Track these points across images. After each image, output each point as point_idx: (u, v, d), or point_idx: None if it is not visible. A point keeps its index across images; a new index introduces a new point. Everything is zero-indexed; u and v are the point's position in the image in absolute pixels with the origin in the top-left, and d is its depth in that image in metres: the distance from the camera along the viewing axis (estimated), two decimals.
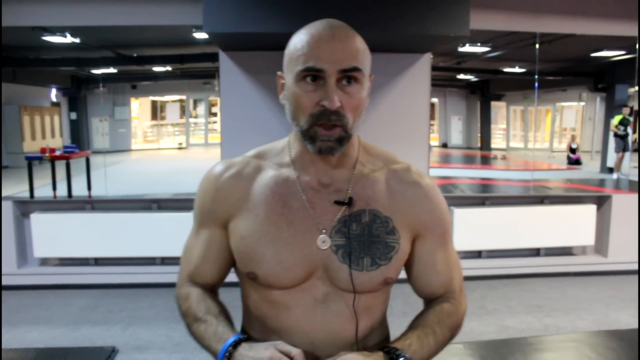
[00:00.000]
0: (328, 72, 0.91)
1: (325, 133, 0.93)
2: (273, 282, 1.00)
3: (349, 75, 0.93)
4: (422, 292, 1.14)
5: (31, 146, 7.68)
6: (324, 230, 1.00)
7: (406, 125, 4.49)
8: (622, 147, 7.84)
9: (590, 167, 12.52)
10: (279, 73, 1.01)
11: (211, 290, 1.12)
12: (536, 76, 5.42)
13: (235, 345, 0.94)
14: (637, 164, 7.91)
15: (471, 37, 3.75)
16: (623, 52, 6.69)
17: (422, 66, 4.43)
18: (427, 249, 1.09)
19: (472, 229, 4.69)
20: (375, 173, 1.06)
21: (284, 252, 0.99)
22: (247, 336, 0.97)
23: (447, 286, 1.13)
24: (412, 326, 1.06)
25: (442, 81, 12.41)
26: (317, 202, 1.01)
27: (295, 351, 0.89)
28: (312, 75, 0.92)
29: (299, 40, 0.95)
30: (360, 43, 0.97)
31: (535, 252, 4.97)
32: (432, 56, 4.46)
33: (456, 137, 16.54)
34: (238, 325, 1.14)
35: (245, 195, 1.03)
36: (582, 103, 14.25)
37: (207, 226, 1.07)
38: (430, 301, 1.14)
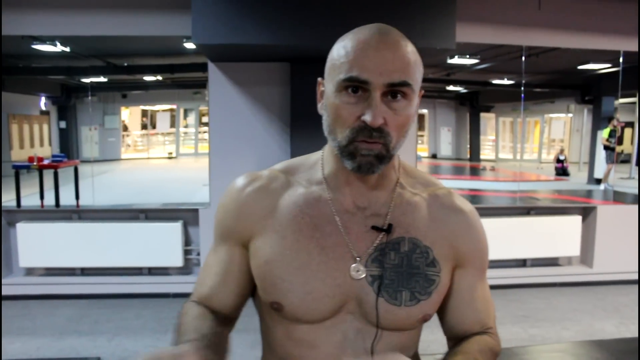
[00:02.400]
0: (373, 85, 0.81)
1: (366, 147, 0.83)
2: (301, 315, 0.89)
3: (397, 90, 0.83)
4: (455, 329, 1.01)
5: (20, 155, 7.63)
6: (358, 259, 0.89)
7: None
8: (612, 158, 7.95)
9: (577, 178, 12.63)
10: (319, 79, 0.91)
11: (224, 318, 0.97)
12: (522, 88, 5.49)
13: None
14: (623, 176, 8.00)
15: (460, 49, 3.80)
16: (609, 65, 6.78)
17: None
18: (466, 282, 0.99)
19: None
20: (416, 197, 0.96)
21: (314, 281, 0.88)
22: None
23: (484, 324, 1.01)
24: (450, 354, 0.93)
25: (431, 92, 12.50)
26: (352, 226, 0.91)
27: None
28: (355, 86, 0.82)
29: (343, 45, 0.85)
30: (413, 54, 0.86)
31: (522, 263, 5.01)
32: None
33: (445, 148, 16.59)
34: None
35: (271, 213, 0.92)
36: (570, 115, 14.42)
37: (226, 244, 0.96)
38: (462, 338, 1.00)
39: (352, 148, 0.84)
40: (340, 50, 0.84)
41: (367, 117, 0.81)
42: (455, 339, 1.00)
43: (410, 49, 0.86)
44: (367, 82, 0.81)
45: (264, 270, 0.91)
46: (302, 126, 4.14)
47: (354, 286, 0.89)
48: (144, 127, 10.05)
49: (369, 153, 0.83)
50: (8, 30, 4.24)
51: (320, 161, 0.96)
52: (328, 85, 0.86)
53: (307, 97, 4.21)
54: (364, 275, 0.89)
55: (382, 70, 0.81)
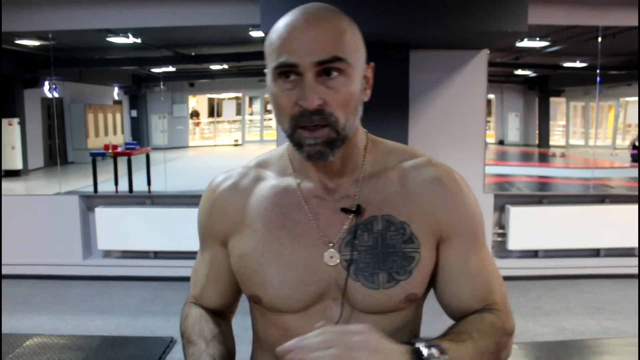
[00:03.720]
0: (302, 66, 0.77)
1: (310, 135, 0.80)
2: (280, 305, 0.88)
3: (330, 67, 0.78)
4: (451, 307, 0.93)
5: (95, 143, 8.01)
6: (331, 244, 0.86)
7: (462, 123, 4.45)
8: None
9: None
10: (265, 70, 0.85)
11: (220, 314, 1.03)
12: (598, 71, 5.24)
13: None
14: None
15: (530, 31, 3.67)
16: None
17: (479, 63, 4.38)
18: (455, 254, 0.90)
19: (529, 228, 4.60)
20: (388, 172, 0.90)
21: (287, 270, 0.86)
22: None
23: (485, 299, 0.91)
24: (442, 335, 0.84)
25: (499, 77, 12.14)
26: (322, 211, 0.88)
27: None
28: (287, 71, 0.79)
29: (273, 32, 0.81)
30: (343, 27, 0.81)
31: (595, 253, 4.81)
32: (488, 52, 4.39)
33: (513, 134, 16.11)
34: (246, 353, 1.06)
35: (243, 210, 0.91)
36: None
37: (208, 245, 0.98)
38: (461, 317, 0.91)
39: (297, 137, 0.81)
40: (271, 36, 0.81)
41: (302, 101, 0.78)
42: (456, 319, 0.91)
43: (342, 24, 0.81)
44: (295, 64, 0.77)
45: (239, 266, 0.91)
46: (373, 113, 4.13)
47: (331, 272, 0.86)
48: (210, 114, 10.32)
49: (315, 142, 0.80)
50: (84, 24, 4.44)
51: (287, 151, 0.94)
52: (268, 76, 0.83)
53: (378, 84, 4.20)
54: (338, 261, 0.86)
55: (309, 49, 0.77)
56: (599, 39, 4.81)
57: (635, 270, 4.65)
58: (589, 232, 4.64)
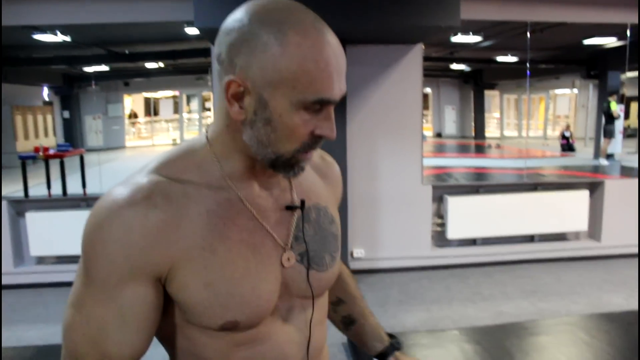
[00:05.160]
0: (334, 103, 0.78)
1: (307, 157, 0.81)
2: (258, 320, 0.84)
3: None
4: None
5: (25, 146, 7.67)
6: (286, 245, 0.87)
7: (399, 116, 4.51)
8: (611, 133, 7.97)
9: (583, 154, 12.58)
10: (231, 78, 0.76)
11: None
12: (527, 64, 5.44)
13: None
14: (630, 150, 7.96)
15: (463, 27, 3.76)
16: (614, 39, 6.71)
17: (414, 57, 4.45)
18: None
19: (467, 217, 4.73)
20: None
21: (259, 283, 0.83)
22: None
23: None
24: (356, 302, 1.14)
25: (435, 71, 12.42)
26: (269, 214, 0.86)
27: None
28: (320, 106, 0.77)
29: (295, 53, 0.73)
30: None
31: (530, 239, 5.01)
32: (423, 47, 4.48)
33: (450, 126, 16.57)
34: None
35: (190, 233, 0.79)
36: (575, 90, 14.32)
37: (131, 286, 0.77)
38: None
39: (294, 160, 0.80)
40: (295, 58, 0.73)
41: (327, 132, 0.78)
42: None
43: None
44: (333, 102, 0.77)
45: (207, 296, 0.79)
46: None
47: (289, 272, 0.87)
48: (147, 113, 10.07)
49: (306, 163, 0.82)
50: (8, 20, 4.21)
51: (212, 157, 0.84)
52: (276, 98, 0.75)
53: None
54: (294, 261, 0.87)
55: (342, 85, 0.77)
56: (528, 34, 4.99)
57: (566, 254, 4.88)
58: (523, 219, 4.82)
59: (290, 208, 0.88)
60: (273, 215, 0.86)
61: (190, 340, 0.85)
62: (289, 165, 0.80)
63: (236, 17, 0.77)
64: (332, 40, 0.76)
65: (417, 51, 4.45)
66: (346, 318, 1.13)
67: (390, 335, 1.12)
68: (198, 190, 0.81)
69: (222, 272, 0.79)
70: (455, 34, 5.41)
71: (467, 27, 5.86)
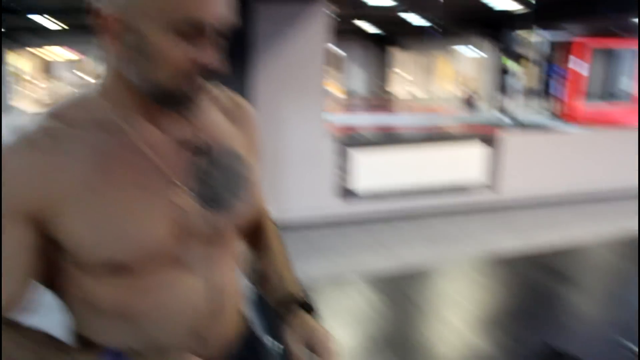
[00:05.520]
0: (209, 27, 0.75)
1: (194, 90, 0.79)
2: (145, 262, 0.81)
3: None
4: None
5: None
6: (180, 184, 0.84)
7: (303, 73, 4.55)
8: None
9: (487, 112, 13.17)
10: (100, 8, 0.74)
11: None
12: (427, 24, 5.56)
13: None
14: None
15: None
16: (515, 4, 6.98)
17: (317, 14, 4.48)
18: (256, 171, 1.00)
19: (370, 170, 4.86)
20: (207, 105, 0.91)
21: (146, 220, 0.80)
22: (127, 348, 0.81)
23: (262, 210, 1.11)
24: (276, 258, 1.06)
25: (345, 33, 12.46)
26: (164, 153, 0.84)
27: None
28: (191, 28, 0.74)
29: None
30: None
31: (433, 192, 5.19)
32: (330, 5, 4.51)
33: (360, 86, 16.85)
34: None
35: (73, 174, 0.77)
36: (480, 53, 14.88)
37: (11, 229, 0.76)
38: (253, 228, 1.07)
39: (179, 93, 0.78)
40: None
41: (206, 59, 0.76)
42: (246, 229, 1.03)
43: None
44: (205, 24, 0.74)
45: (89, 233, 0.77)
46: None
47: (185, 212, 0.84)
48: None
49: (196, 98, 0.81)
50: None
51: (103, 100, 0.82)
52: (146, 23, 0.73)
53: None
54: (189, 201, 0.84)
55: (217, 8, 0.75)
56: None
57: (466, 207, 5.11)
58: (424, 171, 5.00)
59: (189, 148, 0.85)
60: (169, 155, 0.83)
61: (81, 288, 0.82)
62: (175, 99, 0.78)
63: None
64: None
65: (319, 9, 4.48)
66: (259, 272, 1.06)
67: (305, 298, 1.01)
68: (86, 132, 0.79)
69: (104, 210, 0.77)
70: None
71: None
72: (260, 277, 1.05)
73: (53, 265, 0.81)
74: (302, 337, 0.91)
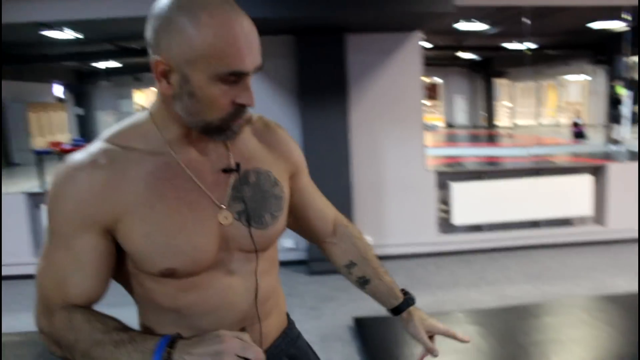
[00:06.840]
0: (249, 73, 0.89)
1: (238, 123, 0.93)
2: (194, 269, 0.95)
3: None
4: (316, 224, 1.21)
5: (40, 142, 7.82)
6: (223, 206, 0.97)
7: (400, 104, 4.56)
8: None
9: (596, 141, 12.45)
10: (157, 58, 0.88)
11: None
12: (525, 48, 5.44)
13: (172, 344, 0.85)
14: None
15: (464, 14, 3.79)
16: (622, 24, 6.68)
17: (412, 45, 4.48)
18: (307, 183, 1.17)
19: (471, 203, 4.78)
20: (243, 132, 1.02)
21: (195, 236, 0.94)
22: (177, 334, 0.89)
23: (335, 211, 1.25)
24: (368, 263, 1.21)
25: (444, 61, 12.38)
26: (206, 176, 0.97)
27: (245, 336, 0.87)
28: (235, 77, 0.88)
29: (207, 32, 0.85)
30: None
31: (535, 224, 5.03)
32: (423, 35, 4.51)
33: (461, 116, 16.50)
34: None
35: (131, 191, 0.91)
36: (585, 77, 14.14)
37: (83, 235, 0.91)
38: (326, 239, 1.23)
39: (224, 126, 0.92)
40: (207, 37, 0.85)
41: (245, 100, 0.89)
42: (316, 239, 1.24)
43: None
44: (247, 73, 0.88)
45: (146, 245, 0.92)
46: (312, 99, 4.19)
47: (228, 228, 0.98)
48: None
49: (239, 129, 0.94)
50: (16, 17, 4.29)
51: (154, 127, 0.96)
52: (195, 73, 0.87)
53: (315, 70, 4.27)
54: (231, 220, 0.98)
55: (255, 59, 0.88)
56: (526, 20, 4.98)
57: (571, 239, 4.90)
58: (528, 204, 4.85)
59: (227, 171, 0.99)
60: (210, 177, 0.98)
61: (143, 286, 0.98)
62: (220, 130, 0.92)
63: (159, 4, 0.88)
64: (239, 18, 0.87)
65: (415, 39, 4.49)
66: (360, 279, 1.21)
67: (405, 292, 1.21)
68: (140, 155, 0.94)
69: (158, 225, 0.92)
70: (457, 21, 5.42)
71: (471, 14, 5.86)
72: (364, 284, 1.21)
73: (124, 267, 0.97)
74: (425, 328, 1.16)
